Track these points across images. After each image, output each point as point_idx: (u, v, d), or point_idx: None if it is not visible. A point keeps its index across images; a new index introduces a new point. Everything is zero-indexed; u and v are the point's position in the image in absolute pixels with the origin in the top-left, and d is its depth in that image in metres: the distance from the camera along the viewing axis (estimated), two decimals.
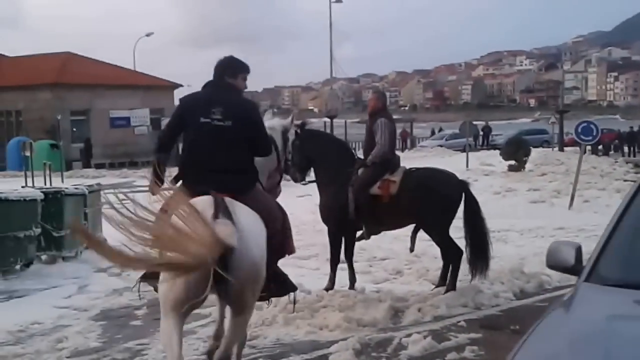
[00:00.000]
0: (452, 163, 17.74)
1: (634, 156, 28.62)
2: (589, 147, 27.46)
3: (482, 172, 17.59)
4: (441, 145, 33.69)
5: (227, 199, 3.30)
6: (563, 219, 11.18)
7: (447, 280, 6.24)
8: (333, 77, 46.26)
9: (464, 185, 6.35)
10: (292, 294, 4.28)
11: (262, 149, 3.81)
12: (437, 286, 6.39)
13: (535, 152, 24.66)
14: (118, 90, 31.24)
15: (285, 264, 8.42)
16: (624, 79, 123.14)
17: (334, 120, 36.86)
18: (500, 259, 7.34)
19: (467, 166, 19.25)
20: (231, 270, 3.01)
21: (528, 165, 19.57)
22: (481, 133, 37.74)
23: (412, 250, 7.03)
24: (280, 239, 3.76)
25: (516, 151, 18.28)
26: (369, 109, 6.78)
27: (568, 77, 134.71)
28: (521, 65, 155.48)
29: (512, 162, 18.15)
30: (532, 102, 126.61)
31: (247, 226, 3.25)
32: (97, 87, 30.71)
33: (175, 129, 3.84)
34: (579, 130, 12.34)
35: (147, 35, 43.70)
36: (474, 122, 41.57)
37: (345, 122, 42.56)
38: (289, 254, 3.92)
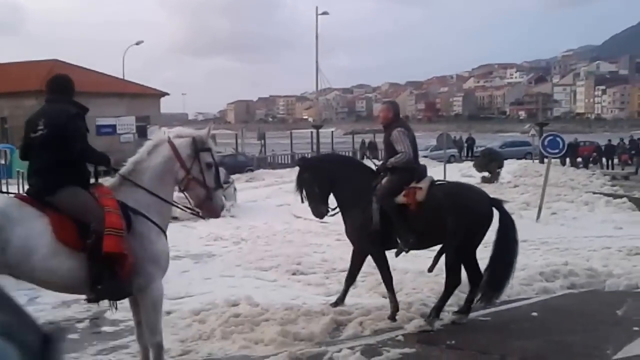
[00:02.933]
0: (432, 174, 17.73)
1: (612, 169, 28.84)
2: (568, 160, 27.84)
3: None
4: (426, 156, 33.78)
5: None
6: (528, 232, 11.12)
7: (435, 305, 5.93)
8: (327, 88, 46.36)
9: (496, 203, 6.07)
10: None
11: (72, 150, 4.00)
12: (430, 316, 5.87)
13: (516, 164, 24.84)
14: (104, 98, 31.15)
15: (246, 275, 8.44)
16: (611, 92, 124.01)
17: (320, 130, 36.93)
18: None
19: (444, 177, 19.40)
20: None
21: (507, 177, 19.64)
22: (465, 144, 37.93)
23: (430, 270, 6.32)
24: (97, 238, 3.79)
25: (488, 163, 18.39)
26: (380, 120, 6.34)
27: (557, 90, 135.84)
28: (511, 78, 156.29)
29: (486, 174, 18.26)
30: (522, 114, 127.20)
31: None
32: (82, 94, 29.89)
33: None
34: (545, 143, 12.43)
35: (137, 43, 42.65)
36: (458, 133, 41.99)
37: (332, 132, 42.72)
38: (107, 252, 3.78)
